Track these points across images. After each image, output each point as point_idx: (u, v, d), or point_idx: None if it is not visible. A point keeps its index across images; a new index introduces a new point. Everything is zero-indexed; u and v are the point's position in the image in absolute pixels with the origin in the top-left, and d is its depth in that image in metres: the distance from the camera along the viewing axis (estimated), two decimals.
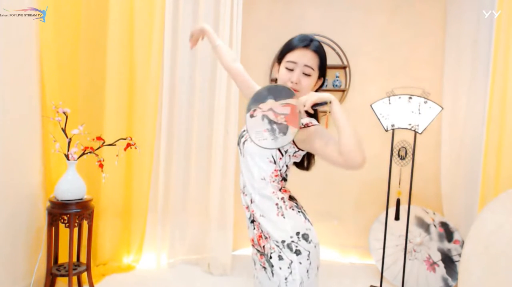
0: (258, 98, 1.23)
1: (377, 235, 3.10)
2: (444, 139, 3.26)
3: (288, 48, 1.30)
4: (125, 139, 2.49)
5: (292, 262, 1.21)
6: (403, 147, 2.84)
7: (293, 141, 1.26)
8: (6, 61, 2.03)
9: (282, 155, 1.28)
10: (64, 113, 2.31)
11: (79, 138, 2.43)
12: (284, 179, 1.33)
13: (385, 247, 2.82)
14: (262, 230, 1.29)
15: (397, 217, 2.77)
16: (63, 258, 2.51)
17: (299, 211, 1.29)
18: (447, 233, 2.93)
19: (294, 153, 1.29)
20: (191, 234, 3.15)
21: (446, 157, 3.23)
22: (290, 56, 1.28)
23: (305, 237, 1.25)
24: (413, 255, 2.91)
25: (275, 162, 1.28)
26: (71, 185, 2.28)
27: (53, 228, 2.33)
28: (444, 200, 3.23)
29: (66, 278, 2.32)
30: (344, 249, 3.45)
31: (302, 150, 1.29)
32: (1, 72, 2.00)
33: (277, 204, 1.27)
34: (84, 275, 2.49)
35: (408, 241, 2.88)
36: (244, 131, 1.40)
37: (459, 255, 2.81)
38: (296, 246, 1.22)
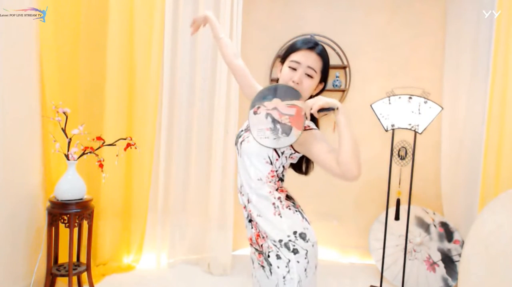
0: (263, 96, 1.22)
1: (377, 235, 3.10)
2: (444, 139, 3.26)
3: (293, 48, 1.31)
4: (125, 139, 2.49)
5: (289, 261, 1.22)
6: (403, 147, 2.84)
7: None
8: (6, 61, 2.03)
9: (279, 156, 1.28)
10: (64, 113, 2.31)
11: (79, 138, 2.43)
12: (281, 179, 1.34)
13: (385, 247, 2.82)
14: (259, 230, 1.29)
15: (397, 217, 2.77)
16: (63, 258, 2.51)
17: (296, 211, 1.30)
18: (447, 233, 2.93)
19: (291, 155, 1.29)
20: (191, 234, 3.16)
21: (446, 157, 3.23)
22: (294, 56, 1.28)
23: (303, 236, 1.25)
24: (413, 255, 2.91)
25: (271, 163, 1.28)
26: (71, 185, 2.28)
27: (53, 228, 2.33)
28: (444, 200, 3.23)
29: (66, 278, 2.32)
30: (344, 249, 3.45)
31: (298, 153, 1.29)
32: (1, 72, 2.00)
33: (274, 203, 1.28)
34: (84, 275, 2.49)
35: (408, 241, 2.88)
36: (241, 131, 1.40)
37: (459, 255, 2.81)
38: (294, 245, 1.23)
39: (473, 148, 2.85)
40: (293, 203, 1.32)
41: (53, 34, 2.43)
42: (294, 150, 1.28)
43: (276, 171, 1.30)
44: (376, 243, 3.08)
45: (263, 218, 1.28)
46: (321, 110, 1.12)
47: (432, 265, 2.86)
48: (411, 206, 2.88)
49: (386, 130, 2.65)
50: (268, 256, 1.26)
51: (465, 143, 3.00)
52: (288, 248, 1.23)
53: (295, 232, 1.25)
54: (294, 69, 1.28)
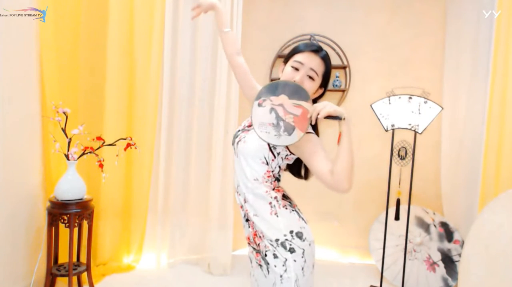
0: (271, 90, 1.20)
1: (377, 235, 3.10)
2: (444, 139, 3.26)
3: (297, 49, 1.32)
4: (125, 139, 2.49)
5: (286, 260, 1.22)
6: (403, 147, 2.84)
7: None
8: (6, 61, 2.03)
9: (275, 156, 1.28)
10: (64, 113, 2.31)
11: (79, 138, 2.43)
12: (277, 179, 1.34)
13: (385, 247, 2.82)
14: (256, 229, 1.30)
15: (397, 217, 2.77)
16: (63, 258, 2.51)
17: (292, 210, 1.30)
18: (447, 233, 2.93)
19: (286, 156, 1.30)
20: (191, 234, 3.16)
21: (446, 157, 3.23)
22: (298, 57, 1.29)
23: (299, 235, 1.25)
24: (413, 255, 2.91)
25: (267, 163, 1.29)
26: (71, 185, 2.28)
27: (53, 228, 2.33)
28: (444, 200, 3.23)
29: (66, 278, 2.32)
30: (344, 249, 3.45)
31: (294, 155, 1.30)
32: (1, 72, 2.00)
33: (270, 203, 1.28)
34: (84, 275, 2.49)
35: (408, 241, 2.88)
36: (238, 131, 1.40)
37: (459, 255, 2.81)
38: (290, 244, 1.23)
39: (473, 148, 2.85)
40: (289, 202, 1.32)
41: (53, 34, 2.43)
42: (290, 151, 1.28)
43: (272, 171, 1.30)
44: (376, 243, 3.08)
45: (259, 218, 1.28)
46: (328, 117, 1.11)
47: (432, 265, 2.86)
48: (411, 206, 2.88)
49: (386, 130, 2.65)
50: (265, 255, 1.26)
51: (465, 143, 3.00)
52: (285, 247, 1.23)
53: (291, 231, 1.25)
54: (297, 69, 1.28)
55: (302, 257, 1.23)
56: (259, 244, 1.29)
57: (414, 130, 2.58)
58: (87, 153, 2.36)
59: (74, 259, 2.50)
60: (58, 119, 2.30)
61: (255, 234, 1.30)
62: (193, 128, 3.07)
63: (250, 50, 3.39)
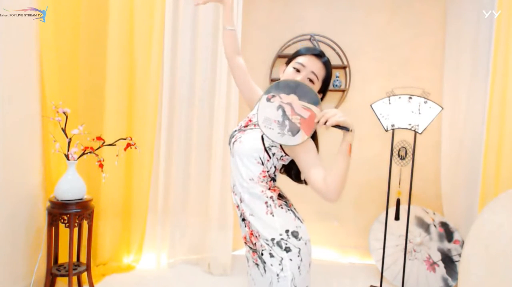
0: (282, 87, 1.19)
1: (377, 235, 3.10)
2: (444, 139, 3.26)
3: (300, 52, 1.33)
4: (125, 139, 2.49)
5: (282, 259, 1.23)
6: (403, 147, 2.84)
7: (280, 145, 1.26)
8: (6, 61, 2.03)
9: (270, 157, 1.29)
10: (64, 113, 2.32)
11: (79, 138, 2.43)
12: (273, 179, 1.34)
13: (385, 247, 2.82)
14: (252, 229, 1.30)
15: (397, 217, 2.77)
16: (63, 258, 2.51)
17: (288, 209, 1.31)
18: (447, 233, 2.93)
19: (281, 157, 1.30)
20: (191, 234, 3.16)
21: (446, 157, 3.23)
22: (300, 59, 1.31)
23: (295, 234, 1.26)
24: (413, 255, 2.91)
25: (262, 163, 1.29)
26: (71, 185, 2.28)
27: (53, 228, 2.33)
28: (444, 200, 3.23)
29: (66, 278, 2.32)
30: (344, 249, 3.45)
31: (289, 156, 1.30)
32: (1, 72, 2.00)
33: (266, 202, 1.28)
34: (84, 275, 2.49)
35: (408, 241, 2.88)
36: (235, 131, 1.40)
37: (459, 255, 2.81)
38: (286, 244, 1.24)
39: (473, 148, 2.85)
40: (285, 202, 1.33)
41: (53, 34, 2.43)
42: (285, 153, 1.29)
43: (268, 171, 1.31)
44: (376, 243, 3.08)
45: (255, 217, 1.29)
46: (336, 125, 1.10)
47: (432, 265, 2.86)
48: (411, 206, 2.88)
49: (386, 130, 2.65)
50: (262, 254, 1.27)
51: (465, 143, 3.00)
52: (281, 247, 1.24)
53: (287, 231, 1.26)
54: (298, 71, 1.29)
55: (298, 256, 1.24)
56: (255, 244, 1.30)
57: (414, 130, 2.58)
58: (87, 153, 2.36)
59: (74, 259, 2.50)
60: (58, 119, 2.30)
61: (251, 234, 1.31)
62: (193, 128, 3.07)
63: (250, 50, 3.39)
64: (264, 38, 3.44)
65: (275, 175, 1.35)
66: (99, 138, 2.42)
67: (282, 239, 1.24)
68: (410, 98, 2.57)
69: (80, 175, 2.35)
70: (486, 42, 2.74)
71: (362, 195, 3.42)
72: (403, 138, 2.86)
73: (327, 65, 1.32)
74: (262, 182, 1.30)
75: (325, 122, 1.11)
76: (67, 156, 2.30)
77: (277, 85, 1.19)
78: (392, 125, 2.62)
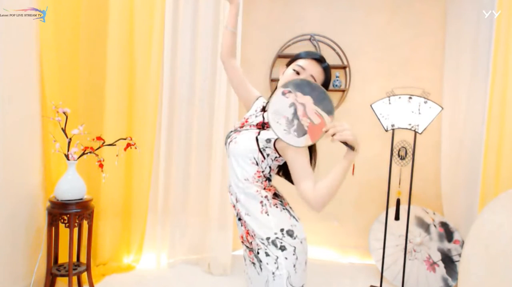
0: (301, 86, 1.17)
1: (377, 235, 3.10)
2: (444, 139, 3.26)
3: (300, 55, 1.34)
4: (125, 139, 2.49)
5: (278, 257, 1.24)
6: (403, 147, 2.84)
7: (275, 146, 1.27)
8: (6, 61, 2.03)
9: (264, 158, 1.30)
10: (64, 113, 2.32)
11: (79, 138, 2.43)
12: (268, 179, 1.35)
13: (385, 247, 2.82)
14: (248, 228, 1.31)
15: (397, 217, 2.77)
16: (63, 258, 2.51)
17: (283, 208, 1.31)
18: (447, 233, 2.93)
19: (276, 157, 1.31)
20: (191, 234, 3.15)
21: (446, 157, 3.23)
22: (301, 62, 1.31)
23: (290, 233, 1.26)
24: (413, 255, 2.91)
25: (257, 164, 1.30)
26: (71, 185, 2.28)
27: (53, 228, 2.33)
28: (444, 200, 3.23)
29: (66, 278, 2.32)
30: (344, 249, 3.45)
31: (282, 157, 1.31)
32: (1, 72, 2.00)
33: (261, 202, 1.29)
34: (84, 275, 2.49)
35: (408, 241, 2.88)
36: (231, 131, 1.41)
37: (459, 255, 2.81)
38: (281, 242, 1.25)
39: (473, 148, 2.85)
40: (280, 201, 1.34)
41: (53, 34, 2.43)
42: (279, 154, 1.29)
43: (263, 171, 1.32)
44: (376, 243, 3.08)
45: (251, 217, 1.30)
46: (343, 141, 1.09)
47: (432, 265, 2.86)
48: (411, 206, 2.88)
49: (386, 130, 2.65)
50: (258, 253, 1.28)
51: (465, 143, 3.00)
52: (276, 246, 1.24)
53: (282, 230, 1.26)
54: (298, 73, 1.30)
55: (294, 254, 1.25)
56: (251, 243, 1.31)
57: (414, 130, 2.58)
58: (87, 153, 2.36)
59: (74, 259, 2.50)
60: (58, 119, 2.30)
61: (248, 233, 1.32)
62: (193, 128, 3.07)
63: (250, 50, 3.39)
64: (264, 38, 3.44)
65: (270, 175, 1.35)
66: (99, 138, 2.42)
67: (277, 238, 1.25)
68: (410, 98, 2.57)
69: (80, 175, 2.35)
70: (486, 42, 2.74)
71: (362, 195, 3.42)
72: (403, 138, 2.86)
73: (327, 71, 1.33)
74: (257, 182, 1.31)
75: (333, 134, 1.10)
76: (67, 156, 2.30)
77: (296, 83, 1.17)
78: (392, 125, 2.62)
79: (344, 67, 3.37)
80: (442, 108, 2.56)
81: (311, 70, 1.29)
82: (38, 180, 2.38)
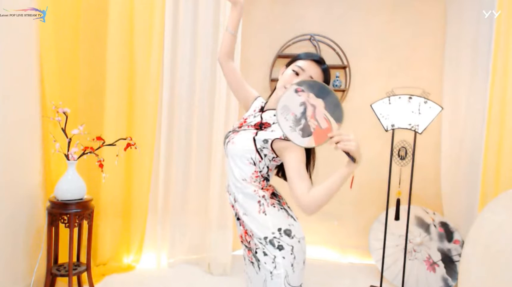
0: (316, 88, 1.16)
1: (377, 235, 3.10)
2: (444, 139, 3.26)
3: (300, 56, 1.34)
4: (125, 139, 2.49)
5: (275, 257, 1.25)
6: (403, 147, 2.84)
7: (272, 147, 1.27)
8: (6, 61, 2.04)
9: (262, 158, 1.30)
10: (64, 113, 2.32)
11: (79, 138, 2.43)
12: (266, 179, 1.35)
13: (385, 247, 2.82)
14: (246, 228, 1.32)
15: (397, 217, 2.77)
16: (63, 258, 2.51)
17: (281, 208, 1.32)
18: (447, 233, 2.93)
19: (273, 158, 1.31)
20: (191, 234, 3.15)
21: (446, 157, 3.23)
22: (300, 63, 1.32)
23: (287, 232, 1.27)
24: (413, 255, 2.91)
25: (255, 164, 1.30)
26: (71, 185, 2.28)
27: (53, 228, 2.33)
28: (444, 200, 3.23)
29: (66, 278, 2.32)
30: (344, 249, 3.45)
31: (279, 158, 1.31)
32: (1, 72, 2.00)
33: (259, 201, 1.30)
34: (84, 275, 2.49)
35: (408, 241, 2.88)
36: (229, 132, 1.42)
37: (459, 255, 2.81)
38: (279, 242, 1.25)
39: (473, 148, 2.85)
40: (278, 201, 1.34)
41: (53, 34, 2.43)
42: (276, 154, 1.30)
43: (260, 171, 1.32)
44: (376, 243, 3.08)
45: (249, 217, 1.31)
46: (345, 151, 1.09)
47: (432, 265, 2.86)
48: (411, 206, 2.88)
49: (386, 130, 2.65)
50: (256, 252, 1.29)
51: (465, 143, 3.00)
52: (273, 245, 1.25)
53: (279, 229, 1.27)
54: (297, 74, 1.30)
55: (291, 253, 1.25)
56: (249, 242, 1.32)
57: (414, 130, 2.58)
58: (87, 153, 2.36)
59: (74, 259, 2.50)
60: (58, 119, 2.30)
61: (246, 233, 1.33)
62: (193, 128, 3.07)
63: (250, 50, 3.39)
64: (264, 38, 3.44)
65: (268, 175, 1.36)
66: (99, 138, 2.43)
67: (274, 237, 1.26)
68: (410, 98, 2.57)
69: (80, 175, 2.35)
70: (486, 42, 2.74)
71: (362, 195, 3.42)
72: (403, 138, 2.86)
73: (326, 72, 1.33)
74: (254, 182, 1.32)
75: (338, 142, 1.09)
76: (67, 156, 2.30)
77: (311, 84, 1.17)
78: (392, 125, 2.62)
79: (344, 67, 3.37)
80: (442, 108, 2.56)
81: (311, 71, 1.30)
82: (38, 180, 2.38)
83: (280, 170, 1.44)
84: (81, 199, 2.32)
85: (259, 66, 3.44)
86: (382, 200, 3.15)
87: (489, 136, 2.60)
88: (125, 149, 2.48)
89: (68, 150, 2.30)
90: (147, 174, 2.92)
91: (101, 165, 2.38)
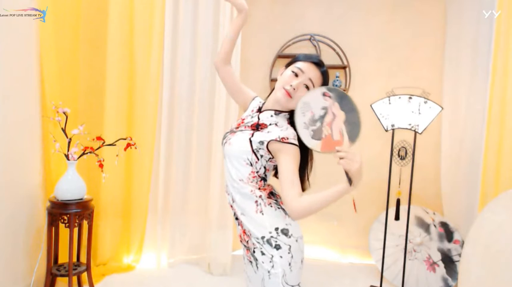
0: (343, 99, 1.17)
1: (377, 235, 3.10)
2: (444, 139, 3.26)
3: (300, 58, 1.34)
4: (125, 139, 2.49)
5: (273, 256, 1.25)
6: (403, 147, 2.84)
7: (267, 148, 1.27)
8: (6, 61, 2.04)
9: (258, 159, 1.30)
10: (64, 113, 2.32)
11: (79, 138, 2.43)
12: (263, 179, 1.36)
13: (385, 247, 2.82)
14: (244, 228, 1.33)
15: (397, 217, 2.77)
16: (63, 258, 2.51)
17: (278, 207, 1.32)
18: (447, 233, 2.93)
19: (270, 159, 1.31)
20: (191, 234, 3.15)
21: (446, 157, 3.23)
22: (300, 64, 1.32)
23: (285, 232, 1.28)
24: (413, 255, 2.91)
25: (251, 165, 1.31)
26: (71, 185, 2.28)
27: (53, 228, 2.33)
28: (444, 200, 3.23)
29: (66, 278, 2.32)
30: (344, 249, 3.45)
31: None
32: (1, 72, 2.00)
33: (256, 201, 1.30)
34: (84, 275, 2.49)
35: (408, 241, 2.88)
36: (227, 132, 1.42)
37: (459, 255, 2.81)
38: (276, 241, 1.26)
39: (473, 148, 2.85)
40: (275, 200, 1.34)
41: (53, 34, 2.43)
42: (272, 155, 1.30)
43: (257, 172, 1.32)
44: (376, 243, 3.08)
45: (246, 217, 1.31)
46: (346, 171, 1.09)
47: (432, 265, 2.86)
48: (411, 206, 2.88)
49: (386, 130, 2.65)
50: (254, 252, 1.30)
51: (465, 143, 3.00)
52: (271, 244, 1.26)
53: (276, 229, 1.27)
54: (296, 76, 1.31)
55: (289, 253, 1.26)
56: (248, 242, 1.33)
57: (414, 130, 2.58)
58: (87, 153, 2.36)
59: (74, 259, 2.50)
60: (58, 119, 2.30)
61: (244, 232, 1.34)
62: (193, 128, 3.07)
63: (250, 50, 3.39)
64: (264, 38, 3.44)
65: (265, 175, 1.36)
66: (99, 138, 2.43)
67: (272, 237, 1.26)
68: (410, 98, 2.57)
69: (80, 175, 2.35)
70: (486, 42, 2.74)
71: (362, 195, 3.41)
72: (403, 138, 2.86)
73: (325, 75, 1.34)
74: (252, 182, 1.32)
75: (342, 158, 1.10)
76: (67, 156, 2.30)
77: (341, 94, 1.18)
78: (392, 125, 2.62)
79: (344, 67, 3.37)
80: (442, 108, 2.56)
81: (310, 74, 1.30)
82: (38, 180, 2.38)
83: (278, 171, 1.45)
84: (81, 199, 2.32)
85: (259, 66, 3.44)
86: (382, 200, 3.15)
87: (489, 136, 2.60)
88: (125, 149, 2.48)
89: (68, 150, 2.31)
90: (147, 174, 2.92)
91: (101, 165, 2.38)
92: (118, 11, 2.73)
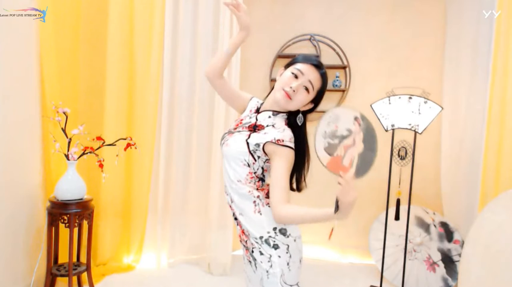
0: (368, 134, 1.23)
1: (377, 235, 3.10)
2: (444, 139, 3.26)
3: (300, 59, 1.34)
4: (125, 139, 2.49)
5: (271, 256, 1.26)
6: (403, 147, 2.84)
7: (263, 149, 1.28)
8: (6, 61, 2.04)
9: (255, 160, 1.30)
10: (64, 113, 2.32)
11: (79, 138, 2.43)
12: (261, 180, 1.36)
13: (385, 247, 2.82)
14: (243, 228, 1.33)
15: (397, 217, 2.77)
16: (63, 258, 2.51)
17: None
18: (447, 233, 2.93)
19: (267, 159, 1.31)
20: (191, 234, 3.15)
21: (446, 157, 3.23)
22: (300, 66, 1.31)
23: (283, 231, 1.28)
24: (413, 255, 2.91)
25: (249, 165, 1.31)
26: (71, 185, 2.28)
27: (53, 228, 2.33)
28: (444, 200, 3.23)
29: (66, 278, 2.32)
30: (344, 249, 3.45)
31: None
32: (1, 72, 2.00)
33: (254, 202, 1.31)
34: (84, 275, 2.49)
35: (408, 241, 2.88)
36: (225, 133, 1.42)
37: (459, 255, 2.81)
38: (274, 241, 1.27)
39: (473, 148, 2.85)
40: None
41: (53, 34, 2.43)
42: (268, 156, 1.30)
43: (255, 172, 1.32)
44: (376, 243, 3.08)
45: (245, 217, 1.32)
46: (337, 198, 1.10)
47: (432, 265, 2.86)
48: (411, 206, 2.88)
49: (386, 130, 2.65)
50: (252, 251, 1.30)
51: (465, 143, 3.00)
52: (269, 244, 1.26)
53: (274, 228, 1.28)
54: (296, 77, 1.30)
55: (287, 252, 1.27)
56: (246, 242, 1.33)
57: (414, 130, 2.58)
58: (87, 153, 2.36)
59: (74, 259, 2.50)
60: (58, 119, 2.30)
61: (243, 232, 1.34)
62: (193, 128, 3.07)
63: (250, 50, 3.39)
64: (264, 38, 3.44)
65: (263, 176, 1.36)
66: (99, 138, 2.43)
67: (270, 236, 1.27)
68: (410, 98, 2.57)
69: (80, 175, 2.35)
70: (486, 42, 2.74)
71: (362, 195, 3.41)
72: (403, 138, 2.86)
73: (324, 77, 1.33)
74: (249, 183, 1.32)
75: (340, 185, 1.11)
76: (67, 156, 2.30)
77: (370, 129, 1.25)
78: (392, 125, 2.62)
79: (344, 67, 3.37)
80: (442, 108, 2.56)
81: (309, 75, 1.30)
82: (38, 180, 2.38)
83: None
84: (81, 199, 2.32)
85: (259, 66, 3.44)
86: (382, 200, 3.15)
87: (489, 136, 2.60)
88: (125, 149, 2.48)
89: (68, 150, 2.31)
90: (147, 174, 2.92)
91: (101, 165, 2.38)
92: (118, 11, 2.73)
